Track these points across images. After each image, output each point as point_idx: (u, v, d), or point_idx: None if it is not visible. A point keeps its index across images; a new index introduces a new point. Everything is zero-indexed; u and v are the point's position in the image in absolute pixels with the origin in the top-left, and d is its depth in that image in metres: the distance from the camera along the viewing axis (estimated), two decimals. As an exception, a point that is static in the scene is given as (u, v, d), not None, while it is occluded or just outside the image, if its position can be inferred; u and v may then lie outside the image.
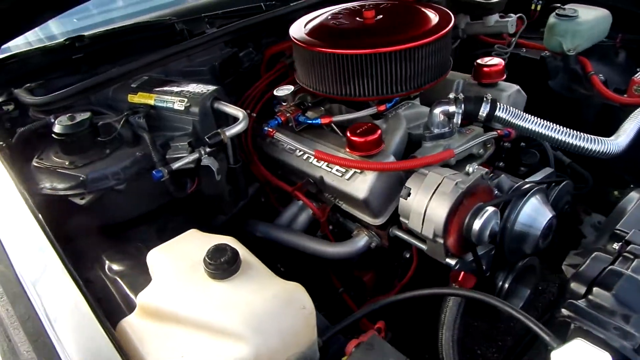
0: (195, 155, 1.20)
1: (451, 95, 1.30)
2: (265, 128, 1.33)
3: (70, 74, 1.40)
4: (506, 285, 1.29)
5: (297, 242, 1.35)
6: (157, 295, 0.82)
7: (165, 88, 1.32)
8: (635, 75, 1.58)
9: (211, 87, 1.29)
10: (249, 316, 0.76)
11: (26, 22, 1.25)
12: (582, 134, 1.24)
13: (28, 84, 1.34)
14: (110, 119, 1.24)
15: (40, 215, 0.94)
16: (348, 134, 1.20)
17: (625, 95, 1.61)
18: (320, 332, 0.90)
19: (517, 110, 1.27)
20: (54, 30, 1.52)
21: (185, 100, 1.25)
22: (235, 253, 0.83)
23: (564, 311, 0.75)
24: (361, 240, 1.29)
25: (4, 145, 1.18)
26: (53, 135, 1.20)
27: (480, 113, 1.26)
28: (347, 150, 1.22)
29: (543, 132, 1.24)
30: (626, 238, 0.87)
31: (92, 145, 1.21)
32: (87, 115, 1.21)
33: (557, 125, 1.24)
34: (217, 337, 0.75)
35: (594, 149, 1.23)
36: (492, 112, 1.26)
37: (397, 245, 1.31)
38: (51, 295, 0.80)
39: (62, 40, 1.42)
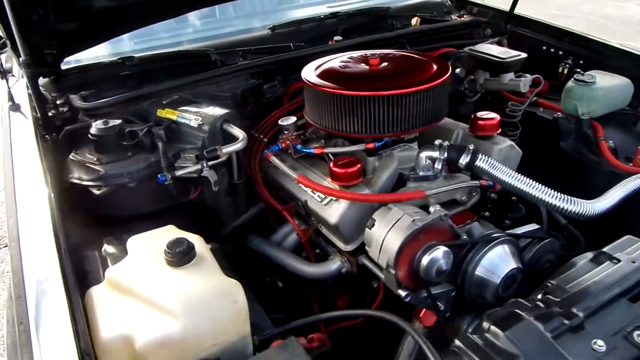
0: (198, 167, 1.38)
1: (437, 142, 1.39)
2: (265, 151, 1.49)
3: (117, 88, 1.65)
4: (470, 330, 1.32)
5: (279, 258, 1.48)
6: (122, 272, 0.99)
7: (188, 107, 1.53)
8: (644, 146, 1.58)
9: (224, 111, 1.48)
10: (185, 299, 0.90)
11: (87, 42, 1.52)
12: (557, 192, 1.28)
13: (82, 92, 1.61)
14: (137, 127, 1.46)
15: (53, 200, 1.15)
16: (331, 165, 1.33)
17: (631, 164, 1.61)
18: (259, 333, 1.02)
19: (496, 162, 1.33)
20: (112, 49, 1.80)
21: (200, 119, 1.45)
22: (190, 247, 0.98)
23: (457, 342, 0.82)
24: (334, 264, 1.40)
25: (48, 138, 1.43)
26: (89, 135, 1.43)
27: (460, 161, 1.35)
28: (329, 179, 1.35)
29: (517, 186, 1.30)
30: (546, 289, 0.92)
31: (117, 147, 1.43)
32: (118, 122, 1.44)
33: (534, 182, 1.29)
34: (157, 312, 0.90)
35: (568, 209, 1.26)
36: (472, 161, 1.33)
37: (367, 274, 1.39)
38: (35, 262, 0.99)
39: (116, 59, 1.70)
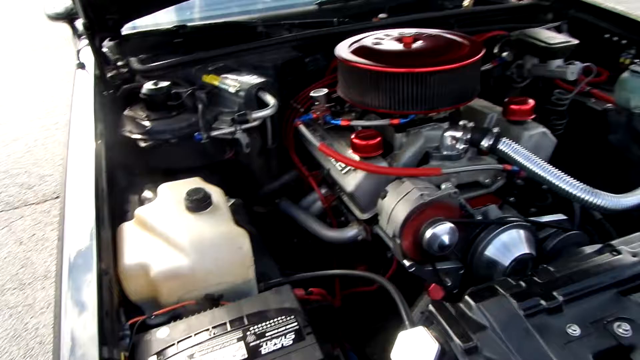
0: (231, 129, 1.49)
1: (461, 122, 1.40)
2: (296, 120, 1.57)
3: (171, 53, 1.80)
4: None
5: (301, 219, 1.57)
6: (148, 212, 1.12)
7: (230, 75, 1.64)
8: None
9: (261, 79, 1.58)
10: (195, 240, 1.02)
11: (144, 9, 1.67)
12: (580, 183, 1.25)
13: (141, 55, 1.77)
14: (182, 89, 1.60)
15: (103, 149, 1.30)
16: (352, 136, 1.39)
17: (678, 164, 1.52)
18: (265, 280, 1.12)
19: (520, 147, 1.32)
20: (171, 17, 1.95)
21: (238, 85, 1.55)
22: (207, 196, 1.09)
23: (430, 307, 0.87)
24: (351, 231, 1.46)
25: (105, 94, 1.60)
26: (141, 94, 1.59)
27: (482, 143, 1.35)
28: (350, 150, 1.41)
29: (539, 173, 1.28)
30: (534, 272, 0.94)
31: (164, 107, 1.57)
32: (166, 84, 1.58)
33: (556, 170, 1.27)
34: (171, 248, 1.02)
35: (590, 200, 1.23)
36: (494, 144, 1.33)
37: (383, 245, 1.44)
38: (77, 200, 1.13)
39: (171, 26, 1.84)
